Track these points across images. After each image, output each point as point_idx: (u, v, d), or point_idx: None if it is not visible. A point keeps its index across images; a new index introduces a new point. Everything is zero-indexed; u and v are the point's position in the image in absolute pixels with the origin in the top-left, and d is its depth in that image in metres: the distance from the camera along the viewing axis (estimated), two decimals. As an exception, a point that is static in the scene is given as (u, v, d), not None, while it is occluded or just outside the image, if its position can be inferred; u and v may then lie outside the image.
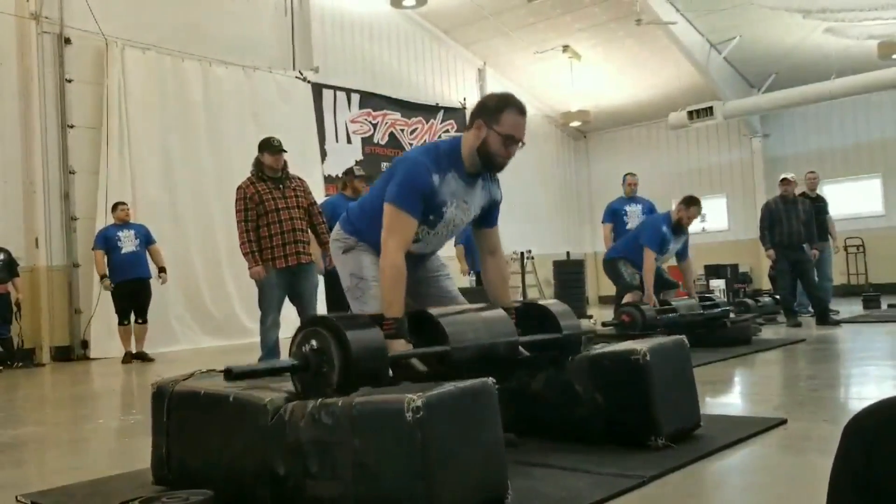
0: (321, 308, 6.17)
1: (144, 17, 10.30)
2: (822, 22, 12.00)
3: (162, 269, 8.70)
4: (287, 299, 5.80)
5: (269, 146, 5.69)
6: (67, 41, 9.64)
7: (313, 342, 2.41)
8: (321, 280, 6.34)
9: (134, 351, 8.59)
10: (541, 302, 3.17)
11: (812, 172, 9.93)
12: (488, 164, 2.89)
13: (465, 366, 2.61)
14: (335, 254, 3.19)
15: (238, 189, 5.69)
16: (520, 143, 2.88)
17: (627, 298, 7.01)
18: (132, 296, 8.55)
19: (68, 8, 9.67)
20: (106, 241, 8.51)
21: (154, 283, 8.73)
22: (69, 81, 9.62)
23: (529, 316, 3.06)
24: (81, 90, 9.77)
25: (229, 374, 2.33)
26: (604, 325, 6.87)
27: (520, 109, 2.85)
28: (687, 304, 6.62)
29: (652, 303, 6.53)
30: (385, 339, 2.49)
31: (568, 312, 3.09)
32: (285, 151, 5.77)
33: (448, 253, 6.66)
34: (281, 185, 5.68)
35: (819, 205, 9.49)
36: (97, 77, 9.88)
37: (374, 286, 2.97)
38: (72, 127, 9.60)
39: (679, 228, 6.84)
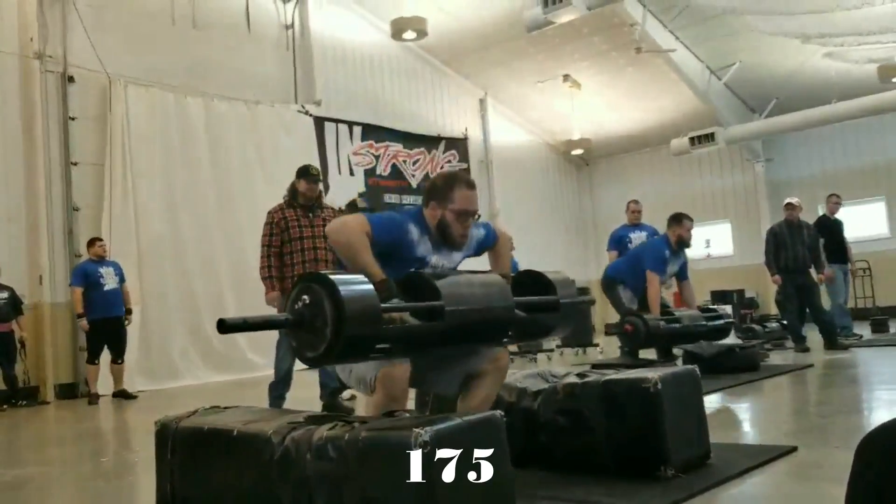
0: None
1: (147, 54, 10.40)
2: (822, 47, 12.06)
3: (128, 311, 8.69)
4: None
5: (307, 174, 5.67)
6: (71, 79, 9.71)
7: (305, 298, 2.38)
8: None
9: (114, 390, 8.52)
10: (538, 269, 3.05)
11: (836, 196, 9.82)
12: (447, 240, 2.90)
13: (458, 322, 2.56)
14: None
15: (268, 213, 5.69)
16: (475, 216, 2.93)
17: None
18: (109, 335, 8.49)
19: (71, 47, 9.76)
20: (86, 278, 8.41)
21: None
22: (73, 119, 9.68)
23: (526, 283, 2.98)
24: (85, 127, 9.82)
25: (222, 326, 2.31)
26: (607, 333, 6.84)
27: (468, 184, 2.90)
28: (690, 314, 6.62)
29: None
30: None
31: (567, 282, 3.01)
32: (321, 181, 5.82)
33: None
34: (310, 214, 5.65)
35: (835, 228, 9.46)
36: (100, 114, 9.93)
37: None
38: (75, 164, 9.64)
39: (680, 247, 6.85)
